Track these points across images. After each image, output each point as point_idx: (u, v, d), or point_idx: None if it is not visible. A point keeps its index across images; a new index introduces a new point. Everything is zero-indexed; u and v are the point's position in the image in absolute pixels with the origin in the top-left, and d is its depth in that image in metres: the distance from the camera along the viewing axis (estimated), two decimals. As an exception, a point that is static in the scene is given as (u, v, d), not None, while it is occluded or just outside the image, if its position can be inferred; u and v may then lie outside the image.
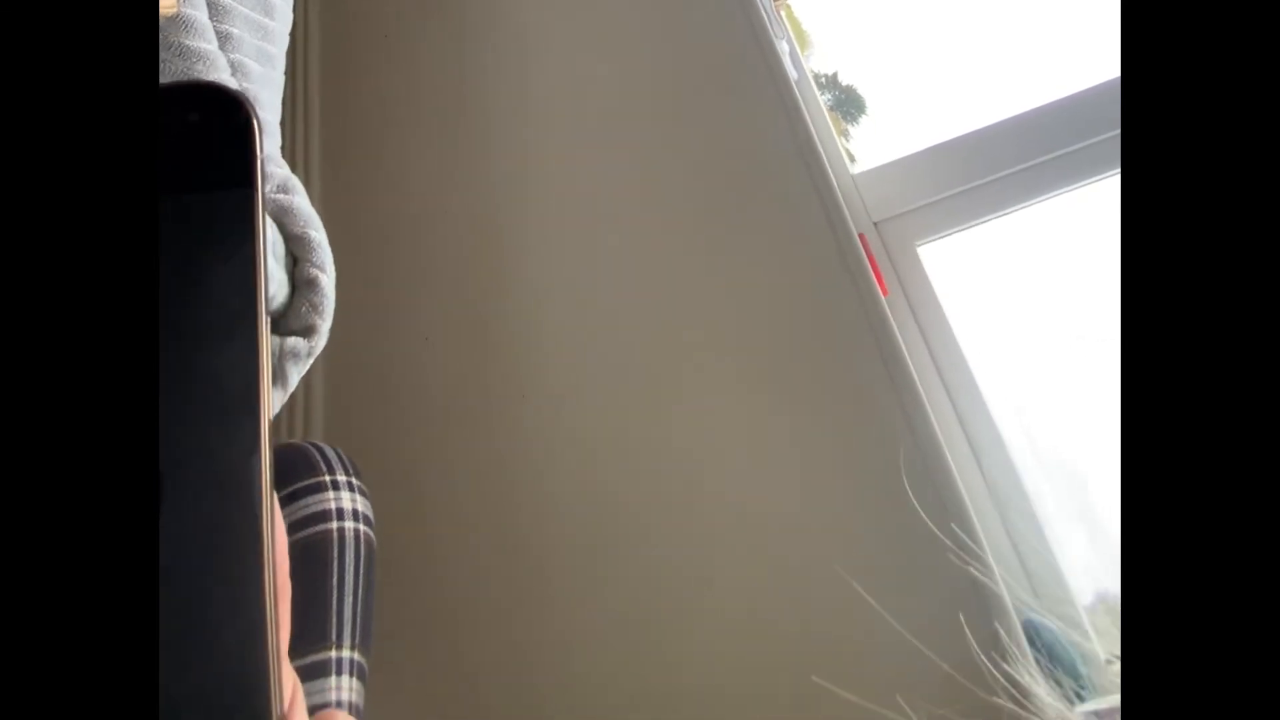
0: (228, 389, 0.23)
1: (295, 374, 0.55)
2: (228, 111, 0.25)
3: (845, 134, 1.43)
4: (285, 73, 0.60)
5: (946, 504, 0.85)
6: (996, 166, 1.08)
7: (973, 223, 1.08)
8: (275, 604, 0.22)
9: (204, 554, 0.22)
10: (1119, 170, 1.04)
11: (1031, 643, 0.79)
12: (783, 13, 1.27)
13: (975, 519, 0.85)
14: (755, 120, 1.10)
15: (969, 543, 0.82)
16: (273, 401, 0.53)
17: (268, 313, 0.25)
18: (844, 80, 1.46)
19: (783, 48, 1.17)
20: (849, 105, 1.45)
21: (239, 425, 0.23)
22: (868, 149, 1.22)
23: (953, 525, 0.83)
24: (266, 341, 0.24)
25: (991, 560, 0.82)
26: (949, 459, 0.87)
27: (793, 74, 1.15)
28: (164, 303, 0.23)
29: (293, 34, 0.61)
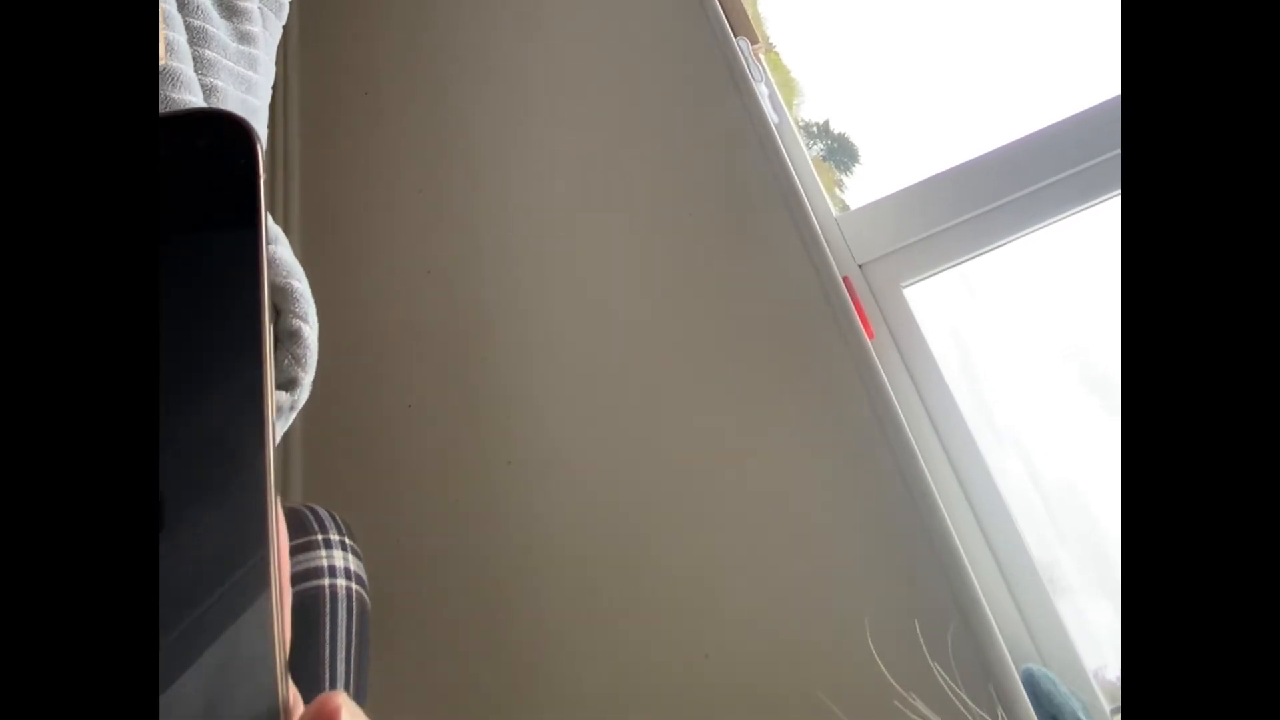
0: (231, 433, 0.24)
1: (279, 429, 0.53)
2: (232, 136, 0.26)
3: (839, 184, 1.42)
4: (266, 126, 0.59)
5: (940, 556, 0.84)
6: (979, 201, 1.09)
7: (956, 261, 1.08)
8: (281, 613, 0.23)
9: (210, 579, 0.22)
10: (1105, 197, 1.05)
11: (1029, 693, 0.78)
12: (763, 57, 1.28)
13: (971, 571, 0.83)
14: (735, 165, 1.11)
15: (965, 598, 0.81)
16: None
17: (270, 340, 0.25)
18: (835, 128, 1.47)
19: (762, 91, 1.18)
20: (841, 154, 1.45)
21: (243, 460, 0.23)
22: (862, 198, 1.23)
23: (948, 580, 0.82)
24: (270, 361, 0.25)
25: (988, 611, 0.81)
26: (943, 510, 0.86)
27: (773, 118, 1.16)
28: (166, 341, 0.23)
29: (274, 88, 0.60)
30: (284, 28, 0.64)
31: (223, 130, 0.26)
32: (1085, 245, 1.08)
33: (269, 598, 0.23)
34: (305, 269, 0.57)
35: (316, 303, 0.57)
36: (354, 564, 0.64)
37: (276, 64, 0.62)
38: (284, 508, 0.67)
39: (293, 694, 0.23)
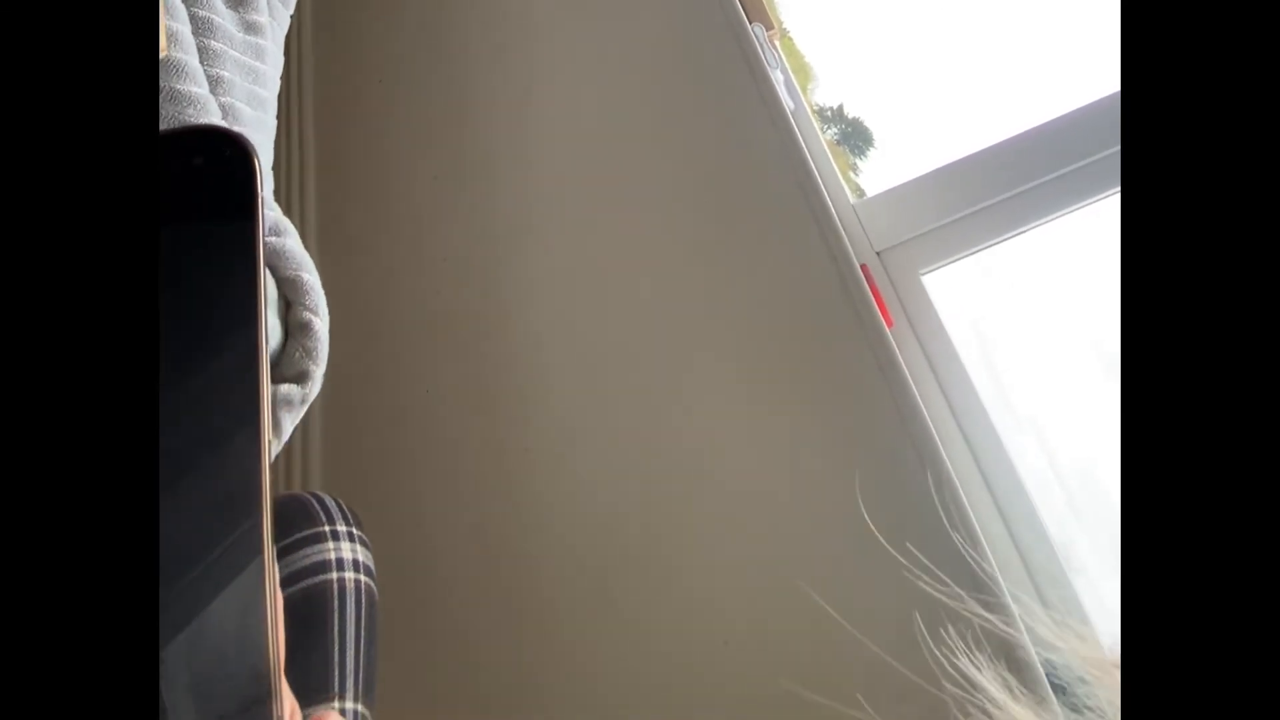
0: (228, 412, 0.24)
1: (289, 421, 0.53)
2: (229, 152, 0.27)
3: (854, 168, 1.40)
4: (279, 116, 0.59)
5: (962, 542, 0.83)
6: (999, 188, 1.06)
7: (977, 248, 1.07)
8: (276, 612, 0.23)
9: (204, 568, 0.23)
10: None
11: (1052, 681, 0.77)
12: (778, 43, 1.27)
13: (992, 558, 0.82)
14: (751, 153, 1.09)
15: (988, 584, 0.80)
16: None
17: (267, 353, 0.26)
18: (850, 113, 1.44)
19: (777, 77, 1.16)
20: (856, 138, 1.43)
21: (239, 444, 0.24)
22: (877, 182, 1.21)
23: (970, 564, 0.81)
24: (265, 364, 0.25)
25: (1009, 600, 0.80)
26: (963, 496, 0.85)
27: (789, 104, 1.14)
28: (164, 342, 0.23)
29: (287, 77, 0.60)
30: (297, 16, 0.64)
31: (220, 147, 0.27)
32: (1107, 232, 1.06)
33: (263, 607, 0.23)
34: (321, 257, 0.57)
35: (334, 290, 0.57)
36: (362, 554, 0.63)
37: (290, 53, 0.61)
38: (290, 496, 0.68)
39: (290, 706, 0.23)
